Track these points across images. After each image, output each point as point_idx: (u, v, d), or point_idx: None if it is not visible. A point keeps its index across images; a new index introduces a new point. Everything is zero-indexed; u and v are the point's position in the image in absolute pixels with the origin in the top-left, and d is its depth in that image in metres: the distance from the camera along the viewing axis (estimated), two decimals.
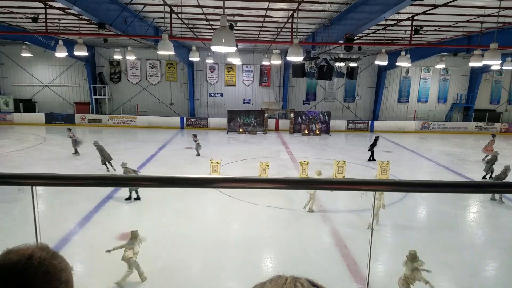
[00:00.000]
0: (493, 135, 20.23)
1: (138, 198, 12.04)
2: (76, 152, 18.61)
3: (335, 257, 8.72)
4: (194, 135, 19.51)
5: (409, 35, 15.79)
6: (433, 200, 13.27)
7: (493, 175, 15.32)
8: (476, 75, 29.98)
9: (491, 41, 12.39)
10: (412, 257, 6.60)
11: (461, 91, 31.27)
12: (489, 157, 16.53)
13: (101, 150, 15.69)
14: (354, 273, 7.90)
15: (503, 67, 21.42)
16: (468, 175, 16.77)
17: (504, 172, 13.08)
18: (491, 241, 10.19)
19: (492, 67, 24.07)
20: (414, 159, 20.34)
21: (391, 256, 9.17)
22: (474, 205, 13.14)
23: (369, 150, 18.86)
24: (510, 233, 10.51)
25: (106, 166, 15.64)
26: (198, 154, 19.05)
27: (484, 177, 15.87)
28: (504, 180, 12.54)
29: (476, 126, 30.26)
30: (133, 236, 7.43)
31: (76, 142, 18.58)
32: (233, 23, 15.14)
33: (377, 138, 19.17)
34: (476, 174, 16.83)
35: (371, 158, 18.64)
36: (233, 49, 8.89)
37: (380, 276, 7.80)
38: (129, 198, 11.93)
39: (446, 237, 10.26)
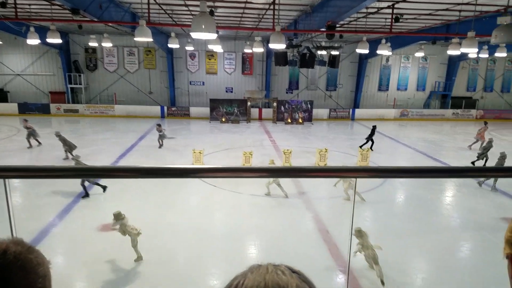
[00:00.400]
0: (485, 123, 20.40)
1: (104, 188, 11.53)
2: (39, 144, 17.76)
3: (318, 242, 8.85)
4: (159, 125, 18.55)
5: (389, 23, 15.86)
6: (411, 185, 13.55)
7: (487, 163, 15.41)
8: (453, 63, 30.53)
9: (468, 30, 12.55)
10: (359, 233, 7.21)
11: (439, 79, 31.80)
12: (484, 144, 16.74)
13: (63, 140, 15.30)
14: (335, 256, 8.06)
15: (480, 55, 21.81)
16: (445, 161, 17.14)
17: (502, 158, 13.16)
18: (466, 223, 10.55)
19: (469, 55, 24.52)
20: (394, 146, 20.61)
21: (370, 240, 9.29)
22: (450, 189, 13.55)
23: (366, 138, 18.79)
24: (484, 215, 10.87)
25: (72, 155, 15.27)
26: (161, 146, 18.21)
27: (473, 163, 15.90)
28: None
29: (453, 113, 30.93)
30: (119, 218, 7.52)
31: (33, 133, 17.68)
32: (213, 9, 14.88)
33: (374, 127, 18.88)
34: (452, 160, 17.26)
35: (362, 146, 18.46)
36: (213, 36, 8.72)
37: (360, 259, 7.95)
38: (86, 195, 11.24)
39: (423, 220, 10.57)
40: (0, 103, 28.07)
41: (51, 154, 16.51)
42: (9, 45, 27.54)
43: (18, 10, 14.85)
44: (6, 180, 1.80)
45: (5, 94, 28.92)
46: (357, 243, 7.28)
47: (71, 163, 13.07)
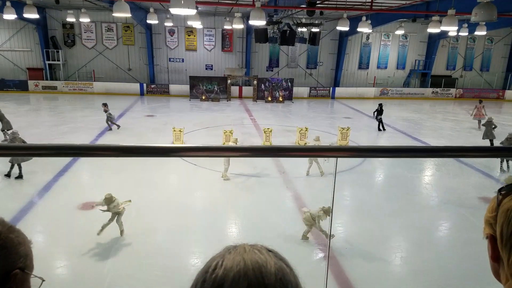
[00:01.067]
0: (480, 101, 20.20)
1: (20, 177, 10.79)
2: None
3: (298, 221, 8.93)
4: (104, 104, 17.20)
5: (370, 0, 15.83)
6: (390, 164, 13.72)
7: (494, 143, 14.80)
8: (433, 41, 30.73)
9: (449, 7, 12.64)
10: (327, 212, 7.59)
11: (419, 57, 32.03)
12: (484, 121, 16.44)
13: (1, 116, 14.69)
14: (316, 235, 8.15)
15: (459, 34, 22.01)
16: (425, 140, 17.44)
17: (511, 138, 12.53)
18: (445, 203, 10.66)
19: (449, 33, 24.69)
20: (373, 125, 20.83)
21: (350, 218, 9.53)
22: (429, 169, 13.75)
23: (376, 119, 18.93)
24: (462, 194, 11.07)
25: (4, 135, 14.33)
26: (111, 128, 17.08)
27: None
28: None
29: (433, 92, 31.29)
30: (111, 201, 7.64)
31: None
32: None
33: (381, 105, 18.85)
34: (432, 139, 17.56)
35: (381, 128, 18.81)
36: (193, 12, 8.61)
37: (340, 237, 8.12)
38: (8, 175, 10.74)
39: (402, 199, 10.70)
40: None
41: (34, 131, 16.19)
42: None
43: None
44: None
45: None
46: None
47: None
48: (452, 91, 31.56)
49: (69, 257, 7.38)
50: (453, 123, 21.83)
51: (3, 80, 27.39)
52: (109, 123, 17.16)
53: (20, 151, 1.95)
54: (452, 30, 16.80)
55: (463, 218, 9.64)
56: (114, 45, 29.22)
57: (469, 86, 32.54)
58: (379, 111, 18.70)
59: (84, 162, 12.24)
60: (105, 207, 7.66)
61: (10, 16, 17.09)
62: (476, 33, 19.15)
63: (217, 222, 8.94)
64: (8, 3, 16.95)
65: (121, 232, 7.88)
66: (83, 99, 25.74)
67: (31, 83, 27.44)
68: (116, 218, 7.78)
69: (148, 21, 21.49)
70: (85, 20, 22.32)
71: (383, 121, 18.93)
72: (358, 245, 8.00)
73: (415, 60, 32.09)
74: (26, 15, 15.84)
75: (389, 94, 30.78)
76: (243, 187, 11.08)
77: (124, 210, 7.86)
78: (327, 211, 7.58)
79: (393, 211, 9.87)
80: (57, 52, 28.00)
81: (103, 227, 7.67)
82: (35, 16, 16.07)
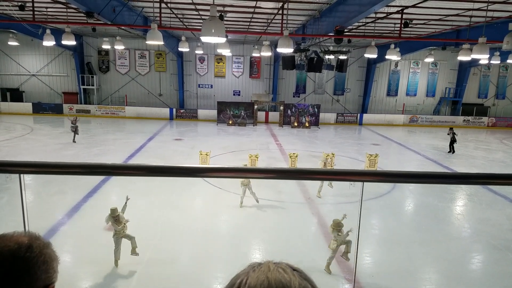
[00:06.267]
0: None
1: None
2: None
3: (323, 248, 8.78)
4: (76, 118, 19.30)
5: (398, 28, 15.86)
6: (420, 193, 13.40)
7: None
8: (464, 69, 30.26)
9: (479, 35, 12.48)
10: (336, 225, 7.54)
11: (450, 85, 31.55)
12: None
13: None
14: (342, 264, 7.98)
15: (491, 62, 21.59)
16: (456, 169, 16.95)
17: None
18: (477, 234, 10.29)
19: (480, 61, 24.28)
20: (402, 152, 20.53)
21: (378, 247, 9.29)
22: (461, 198, 13.31)
23: (452, 143, 19.82)
24: (495, 226, 10.65)
25: None
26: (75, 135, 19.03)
27: None
28: None
29: (464, 120, 30.59)
30: (114, 214, 7.60)
31: None
32: (223, 13, 15.04)
33: (451, 129, 19.96)
34: (463, 168, 17.06)
35: (452, 150, 19.90)
36: (222, 40, 8.85)
37: (367, 267, 7.91)
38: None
39: (433, 230, 10.37)
40: (16, 102, 28.71)
41: (67, 153, 16.75)
42: (26, 46, 28.17)
43: (36, 13, 15.25)
44: (21, 175, 1.90)
45: (20, 94, 29.53)
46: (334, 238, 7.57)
47: None
48: (484, 119, 30.75)
49: (94, 278, 7.45)
50: (485, 152, 21.18)
51: (39, 103, 28.73)
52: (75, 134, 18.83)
53: (54, 169, 2.05)
54: (483, 58, 16.57)
55: (497, 250, 9.22)
56: (147, 71, 30.25)
57: (502, 114, 31.66)
58: (453, 137, 19.68)
59: (113, 184, 12.52)
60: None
61: (49, 43, 18.13)
62: (509, 61, 18.78)
63: (241, 247, 8.88)
64: (48, 31, 17.98)
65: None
66: (114, 122, 26.54)
67: (65, 107, 28.60)
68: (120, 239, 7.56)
69: (179, 49, 22.22)
70: (119, 47, 23.26)
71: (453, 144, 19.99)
72: (386, 277, 7.76)
73: (445, 87, 31.61)
74: (64, 42, 16.75)
75: (419, 122, 30.31)
76: (268, 212, 11.00)
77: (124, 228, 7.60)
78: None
79: (423, 241, 9.56)
80: (92, 77, 29.28)
81: (116, 257, 7.53)
82: (73, 43, 16.95)
